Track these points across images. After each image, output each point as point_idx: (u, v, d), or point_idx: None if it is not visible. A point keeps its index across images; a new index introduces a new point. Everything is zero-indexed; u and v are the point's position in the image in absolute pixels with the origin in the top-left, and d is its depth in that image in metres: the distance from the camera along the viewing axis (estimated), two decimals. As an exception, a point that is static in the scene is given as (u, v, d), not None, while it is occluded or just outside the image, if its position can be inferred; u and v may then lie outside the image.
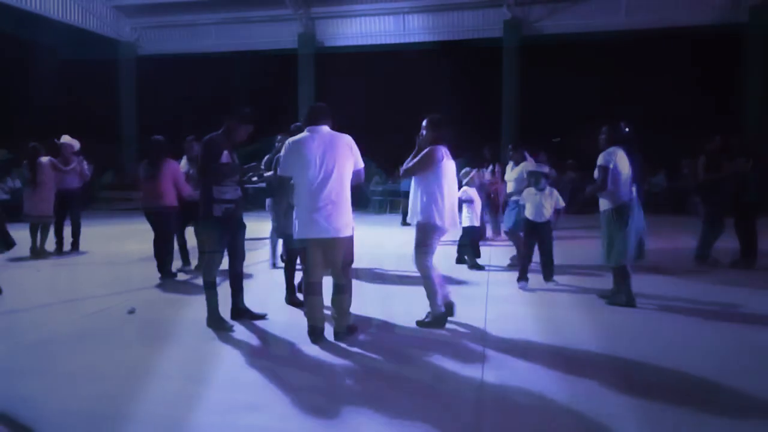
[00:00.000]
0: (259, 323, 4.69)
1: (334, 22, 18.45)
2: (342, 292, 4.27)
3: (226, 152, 4.48)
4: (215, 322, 4.52)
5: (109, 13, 18.91)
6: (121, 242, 9.67)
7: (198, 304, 4.70)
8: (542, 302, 5.49)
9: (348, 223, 4.22)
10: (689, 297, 5.56)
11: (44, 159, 8.24)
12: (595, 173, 5.26)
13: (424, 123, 4.68)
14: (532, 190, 6.18)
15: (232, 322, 4.63)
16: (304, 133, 4.22)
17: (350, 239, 4.30)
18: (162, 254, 6.47)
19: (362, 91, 17.94)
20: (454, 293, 4.91)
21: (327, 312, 4.36)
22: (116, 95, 19.81)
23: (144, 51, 19.93)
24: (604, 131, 5.32)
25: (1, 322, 4.84)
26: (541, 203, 6.10)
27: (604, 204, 5.28)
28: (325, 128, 4.24)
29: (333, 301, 4.29)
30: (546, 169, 6.41)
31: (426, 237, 4.55)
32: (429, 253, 4.57)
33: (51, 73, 16.81)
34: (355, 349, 4.07)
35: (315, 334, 4.19)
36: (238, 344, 4.19)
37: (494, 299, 5.57)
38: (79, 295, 5.74)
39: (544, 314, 5.03)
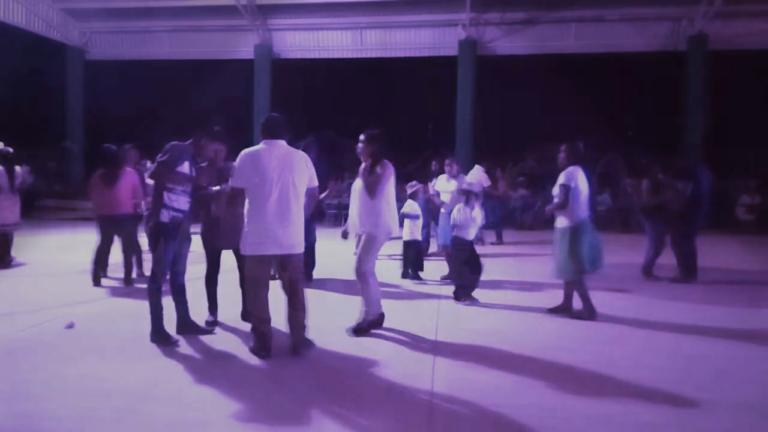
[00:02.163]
0: (204, 338, 4.56)
1: (292, 35, 18.37)
2: (297, 307, 4.21)
3: (187, 163, 4.38)
4: (159, 336, 4.36)
5: (57, 16, 18.24)
6: (62, 253, 9.26)
7: (141, 318, 4.53)
8: (491, 315, 5.56)
9: (302, 240, 4.22)
10: (635, 309, 5.74)
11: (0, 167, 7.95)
12: (555, 191, 5.37)
13: (361, 138, 4.81)
14: (463, 208, 6.19)
15: (177, 337, 4.49)
16: (261, 146, 4.15)
17: (302, 256, 4.28)
18: (102, 260, 6.78)
19: (317, 103, 17.95)
20: (406, 305, 4.93)
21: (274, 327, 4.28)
22: (62, 101, 19.06)
23: (93, 56, 19.29)
24: (563, 150, 5.37)
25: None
26: (470, 221, 6.13)
27: (561, 221, 5.37)
28: (282, 143, 4.19)
29: (290, 317, 4.22)
30: (477, 188, 6.44)
31: (372, 246, 4.73)
32: (372, 261, 4.77)
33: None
34: (303, 363, 4.02)
35: (264, 350, 4.11)
36: (183, 359, 4.06)
37: (444, 311, 5.61)
38: (15, 308, 5.44)
39: (493, 326, 5.10)
